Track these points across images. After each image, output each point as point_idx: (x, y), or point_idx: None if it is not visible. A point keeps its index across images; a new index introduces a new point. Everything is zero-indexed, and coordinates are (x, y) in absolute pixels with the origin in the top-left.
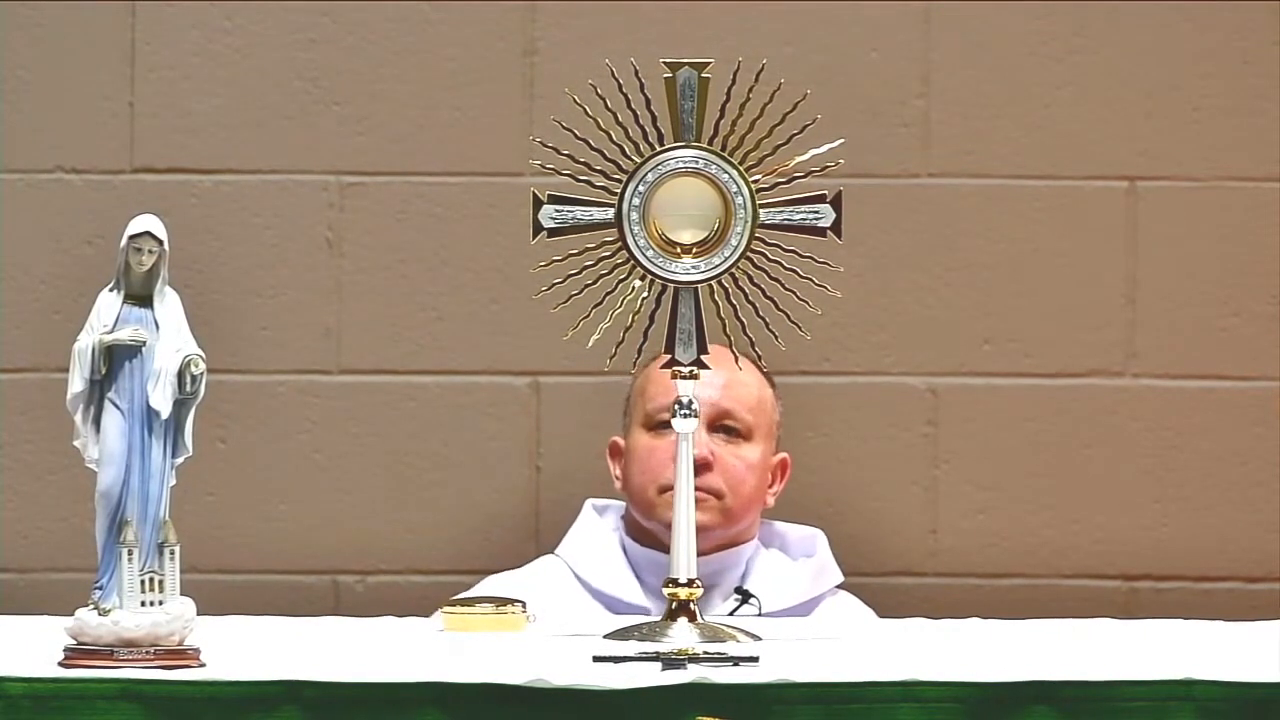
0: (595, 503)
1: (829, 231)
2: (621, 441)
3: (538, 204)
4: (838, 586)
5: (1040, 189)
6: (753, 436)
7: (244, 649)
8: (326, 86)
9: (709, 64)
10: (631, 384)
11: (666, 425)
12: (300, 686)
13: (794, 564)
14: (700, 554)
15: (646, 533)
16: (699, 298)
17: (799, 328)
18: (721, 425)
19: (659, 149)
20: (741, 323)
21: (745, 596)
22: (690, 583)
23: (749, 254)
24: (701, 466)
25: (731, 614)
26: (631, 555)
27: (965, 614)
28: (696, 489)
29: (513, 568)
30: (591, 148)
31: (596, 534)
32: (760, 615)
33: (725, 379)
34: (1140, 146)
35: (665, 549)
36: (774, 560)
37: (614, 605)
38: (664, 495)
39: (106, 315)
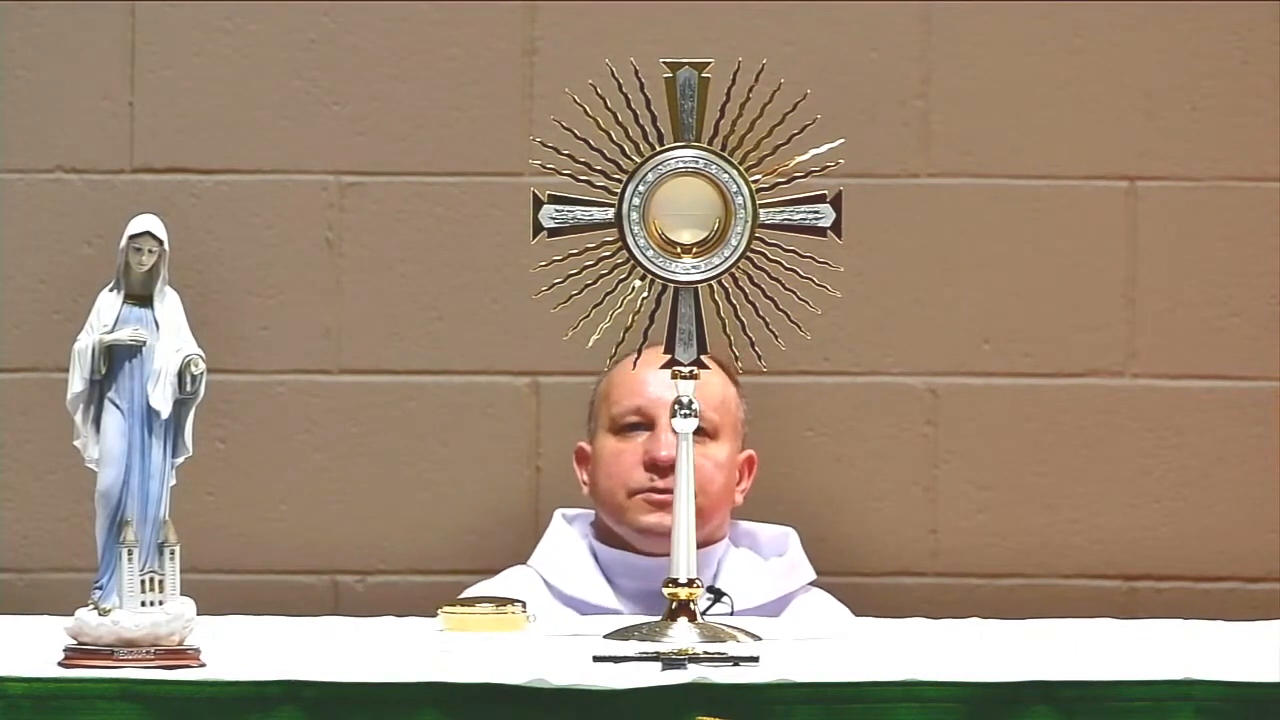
0: (565, 512)
1: (829, 231)
2: (588, 447)
3: (538, 204)
4: (811, 584)
5: (1040, 189)
6: (718, 435)
7: (244, 649)
8: (326, 86)
9: (709, 64)
10: (595, 389)
11: (632, 428)
12: (300, 686)
13: (765, 563)
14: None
15: (616, 535)
16: (699, 298)
17: (799, 328)
18: None
19: (659, 149)
20: (741, 322)
21: (717, 595)
22: (690, 583)
23: (749, 254)
24: (668, 468)
25: (703, 613)
26: (602, 559)
27: (965, 614)
28: (666, 490)
29: (492, 573)
30: (591, 148)
31: (566, 542)
32: (732, 614)
33: None
34: (1140, 146)
35: (635, 550)
36: (745, 559)
37: (585, 610)
38: (633, 499)
39: (106, 315)
